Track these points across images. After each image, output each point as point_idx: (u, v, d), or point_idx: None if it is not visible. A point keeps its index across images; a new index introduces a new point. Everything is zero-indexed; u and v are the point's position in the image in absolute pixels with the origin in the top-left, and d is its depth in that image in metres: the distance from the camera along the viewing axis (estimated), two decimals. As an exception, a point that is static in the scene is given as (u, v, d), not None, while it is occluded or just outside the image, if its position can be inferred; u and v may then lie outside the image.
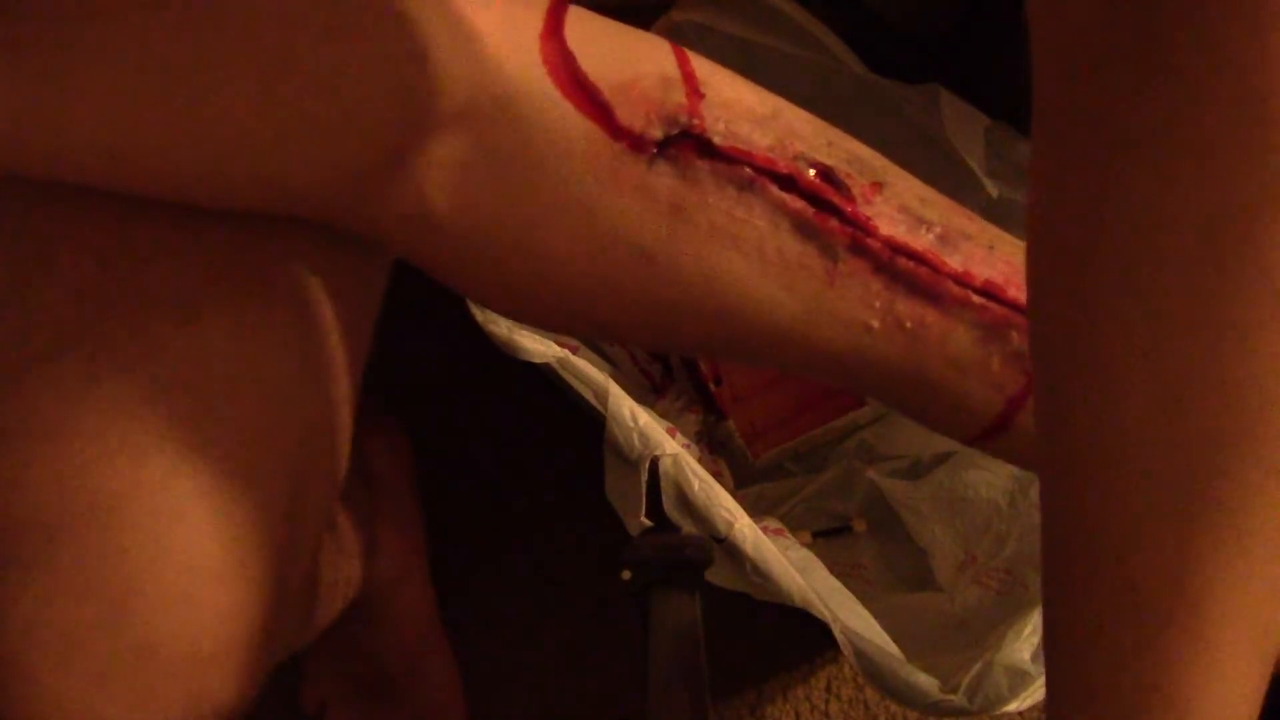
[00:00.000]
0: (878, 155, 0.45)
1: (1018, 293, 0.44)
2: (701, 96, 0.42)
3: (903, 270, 0.43)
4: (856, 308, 0.43)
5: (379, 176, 0.40)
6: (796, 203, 0.42)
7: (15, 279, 0.40)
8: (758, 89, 0.44)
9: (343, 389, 0.48)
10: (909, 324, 0.43)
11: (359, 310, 0.49)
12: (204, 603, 0.40)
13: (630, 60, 0.42)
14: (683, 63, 0.43)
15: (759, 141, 0.42)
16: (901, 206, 0.43)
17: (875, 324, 0.43)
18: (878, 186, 0.43)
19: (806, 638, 0.87)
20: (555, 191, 0.41)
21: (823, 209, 0.42)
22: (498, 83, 0.40)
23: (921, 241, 0.43)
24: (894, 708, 0.86)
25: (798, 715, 0.87)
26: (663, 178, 0.41)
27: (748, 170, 0.42)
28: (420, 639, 0.84)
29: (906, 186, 0.44)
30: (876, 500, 0.87)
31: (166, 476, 0.39)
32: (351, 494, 0.74)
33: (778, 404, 0.88)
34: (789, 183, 0.42)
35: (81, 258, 0.40)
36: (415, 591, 0.83)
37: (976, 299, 0.43)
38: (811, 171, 0.42)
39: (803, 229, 0.42)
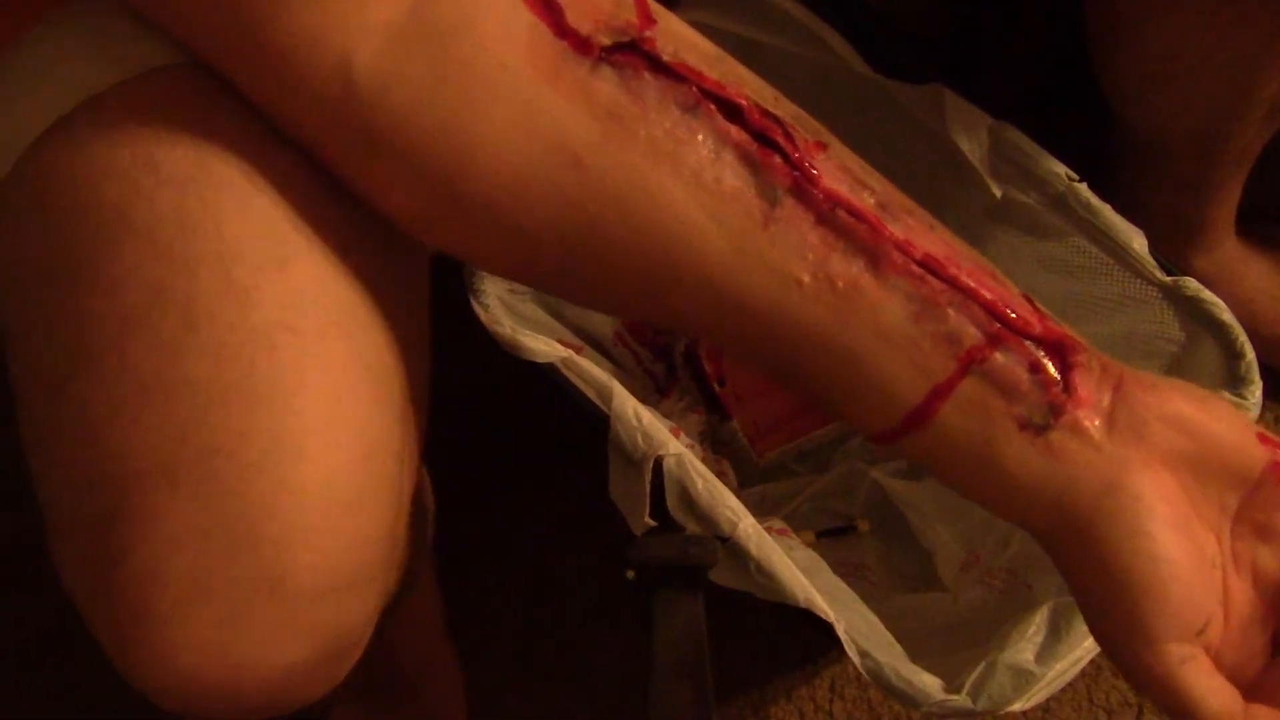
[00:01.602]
0: (816, 121, 0.43)
1: (957, 272, 0.40)
2: (653, 22, 0.41)
3: (843, 224, 0.40)
4: (789, 257, 0.40)
5: (302, 24, 0.39)
6: (741, 134, 0.40)
7: (172, 236, 0.41)
8: (706, 39, 0.43)
9: (420, 328, 0.50)
10: (841, 284, 0.40)
11: (418, 271, 0.52)
12: (329, 533, 0.41)
13: None
14: None
15: (707, 74, 0.40)
16: (844, 167, 0.41)
17: (806, 279, 0.40)
18: (821, 146, 0.41)
19: (810, 638, 0.87)
20: (490, 77, 0.39)
21: (767, 146, 0.40)
22: None
23: (864, 202, 0.40)
24: (898, 708, 0.86)
25: (801, 715, 0.87)
26: (604, 83, 0.39)
27: (695, 90, 0.40)
28: (430, 639, 0.84)
29: (849, 153, 0.42)
30: (880, 500, 0.87)
31: (279, 415, 0.40)
32: None
33: (781, 404, 0.88)
34: (735, 113, 0.40)
35: (159, 216, 0.41)
36: (426, 589, 0.83)
37: (915, 269, 0.40)
38: (756, 111, 0.40)
39: (745, 161, 0.40)
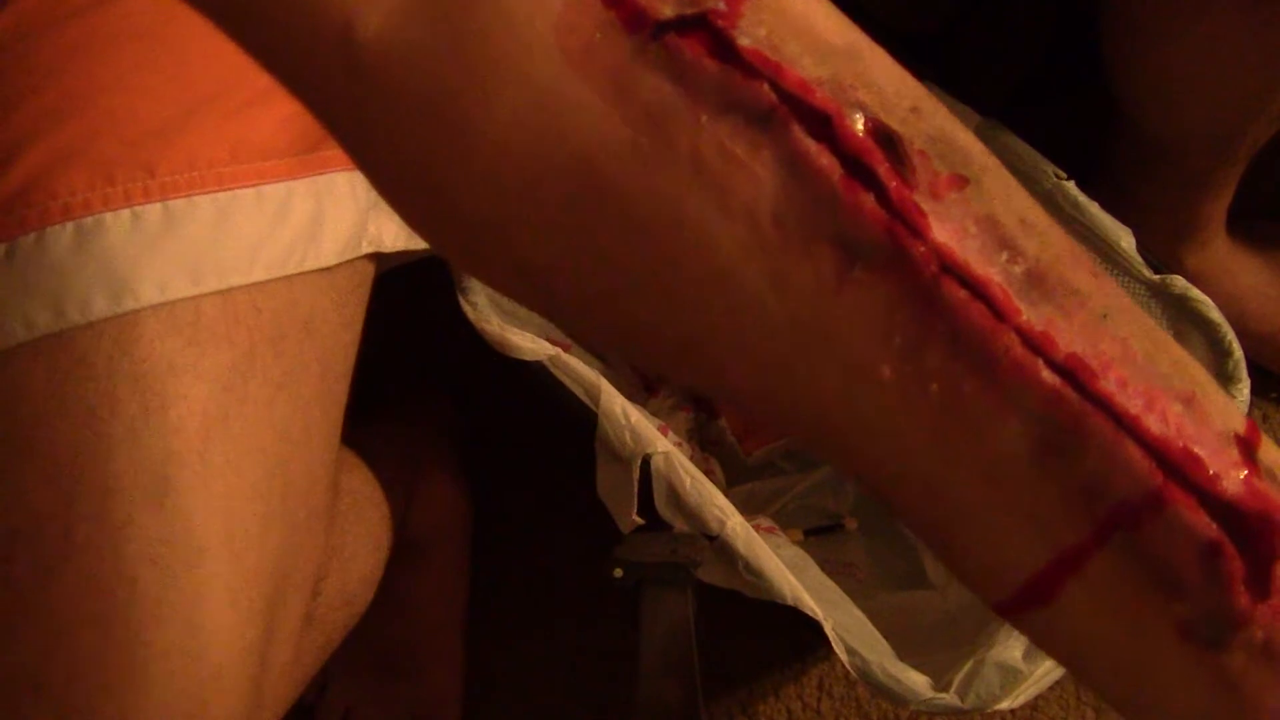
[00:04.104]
0: (986, 152, 0.30)
1: (1113, 389, 0.27)
2: None
3: (949, 302, 0.27)
4: (865, 339, 0.28)
5: None
6: (824, 158, 0.28)
7: None
8: (843, 18, 0.31)
9: (319, 501, 0.57)
10: (937, 387, 0.27)
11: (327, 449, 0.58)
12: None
13: None
14: None
15: (807, 69, 0.29)
16: (985, 218, 0.28)
17: (887, 372, 0.28)
18: (960, 181, 0.29)
19: (798, 636, 0.87)
20: (504, 52, 0.30)
21: (859, 179, 0.28)
22: None
23: (993, 270, 0.28)
24: (886, 706, 0.86)
25: (789, 713, 0.87)
26: (649, 72, 0.29)
27: (768, 91, 0.28)
28: (447, 620, 0.85)
29: (1006, 197, 0.29)
30: (868, 498, 0.87)
31: (132, 645, 0.46)
32: (391, 457, 0.79)
33: (770, 402, 0.88)
34: (823, 128, 0.28)
35: (56, 445, 0.49)
36: (457, 571, 0.86)
37: (1048, 378, 0.27)
38: (861, 123, 0.28)
39: (820, 199, 0.28)
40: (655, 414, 0.83)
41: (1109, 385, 0.27)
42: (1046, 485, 0.27)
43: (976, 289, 0.27)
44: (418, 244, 0.63)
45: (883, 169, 0.28)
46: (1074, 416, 0.27)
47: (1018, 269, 0.28)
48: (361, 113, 0.32)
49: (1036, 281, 0.28)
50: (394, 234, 0.61)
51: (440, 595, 0.85)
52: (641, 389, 0.88)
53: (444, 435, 0.89)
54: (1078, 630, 0.28)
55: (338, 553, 0.67)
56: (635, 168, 0.29)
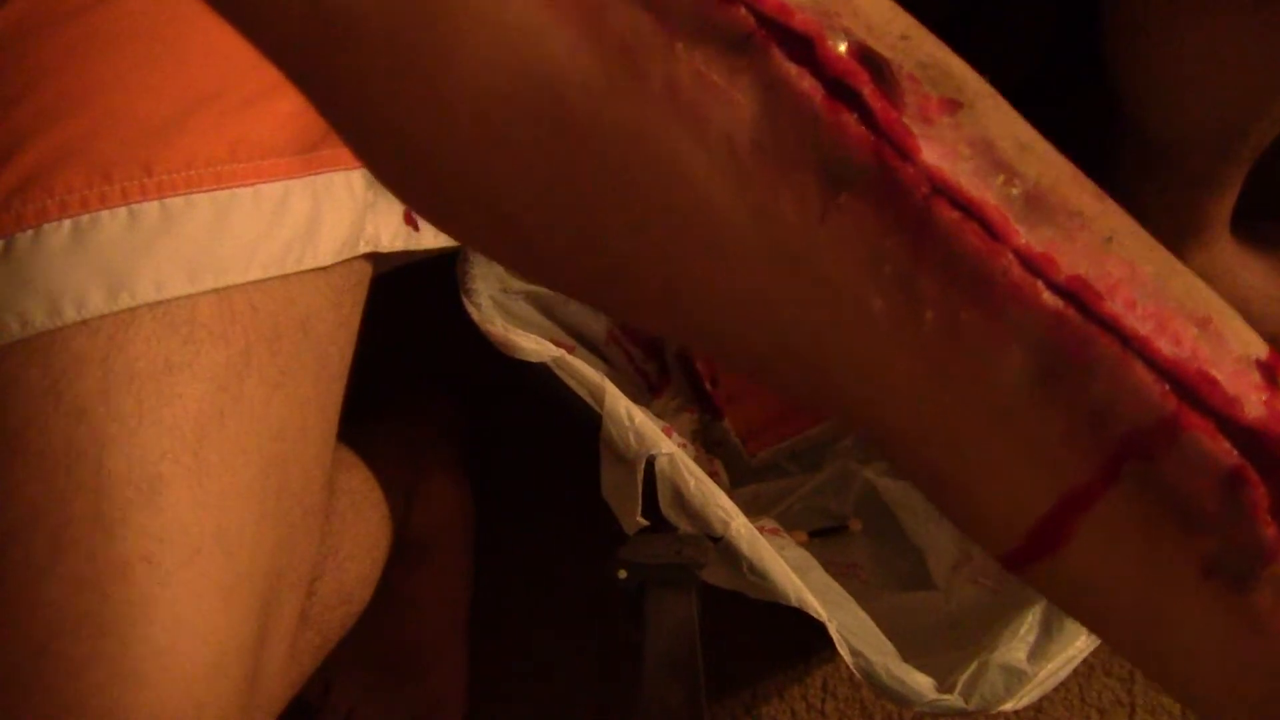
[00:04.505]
0: (982, 80, 0.28)
1: (1120, 310, 0.25)
2: None
3: (941, 225, 0.25)
4: (853, 269, 0.26)
5: None
6: (805, 80, 0.26)
7: None
8: None
9: (315, 501, 0.57)
10: (931, 315, 0.25)
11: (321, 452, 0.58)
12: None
13: None
14: None
15: None
16: (980, 141, 0.26)
17: (877, 303, 0.25)
18: (952, 105, 0.26)
19: (802, 637, 0.87)
20: None
21: (843, 101, 0.26)
22: None
23: (989, 193, 0.25)
24: (890, 707, 0.86)
25: (793, 714, 0.87)
26: (621, 2, 0.27)
27: (745, 14, 0.26)
28: (451, 622, 0.85)
29: (1003, 120, 0.27)
30: (872, 499, 0.87)
31: (124, 643, 0.46)
32: (394, 457, 0.79)
33: (774, 403, 0.88)
34: (805, 51, 0.26)
35: (50, 444, 0.49)
36: (461, 572, 0.85)
37: (1049, 299, 0.25)
38: (844, 46, 0.26)
39: (801, 123, 0.26)
40: (659, 415, 0.83)
41: (1115, 307, 0.25)
42: (1051, 418, 0.25)
43: (970, 210, 0.25)
44: (416, 244, 0.63)
45: (868, 90, 0.26)
46: (1078, 341, 0.25)
47: (1015, 191, 0.26)
48: (326, 60, 0.30)
49: (1035, 204, 0.26)
50: (392, 234, 0.62)
51: (442, 596, 0.85)
52: (646, 390, 0.88)
53: (446, 436, 0.89)
54: (1091, 577, 0.26)
55: (334, 552, 0.67)
56: (609, 102, 0.27)
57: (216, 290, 0.52)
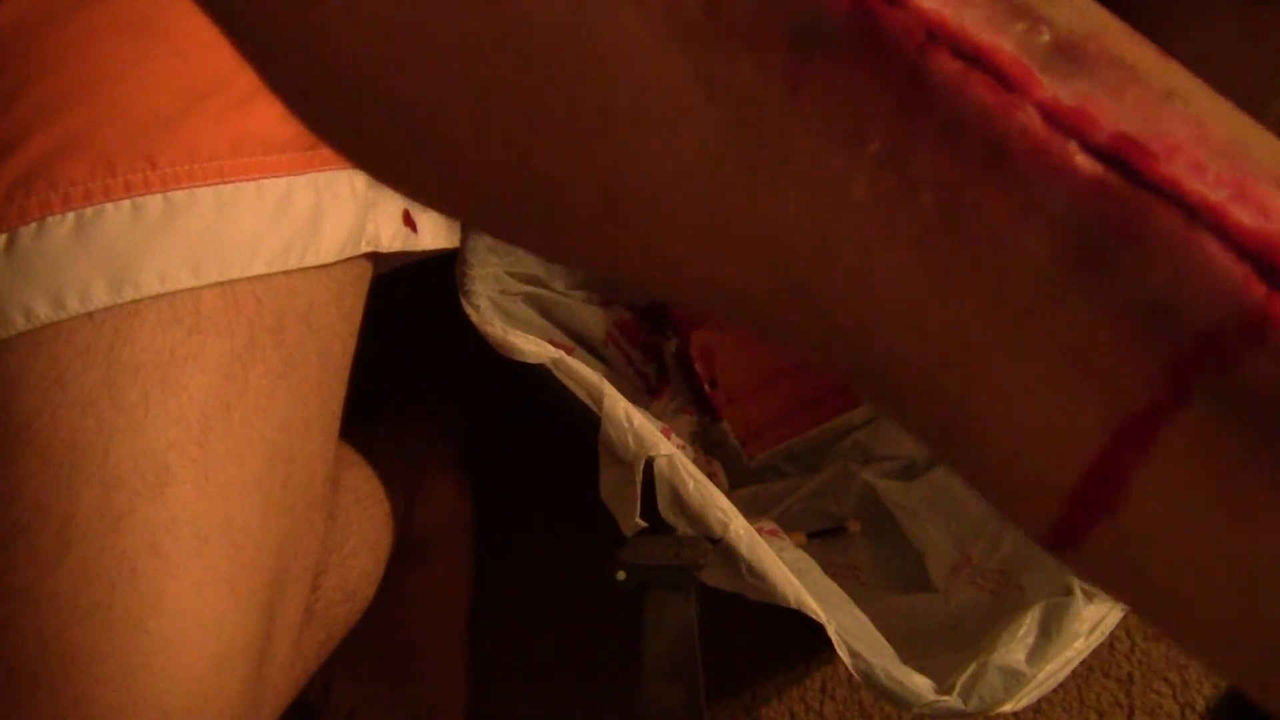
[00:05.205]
0: None
1: (1188, 176, 0.18)
2: None
3: (939, 80, 0.19)
4: (831, 150, 0.19)
5: None
6: None
7: None
8: None
9: (317, 495, 0.57)
10: (928, 199, 0.19)
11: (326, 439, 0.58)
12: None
13: None
14: None
15: None
16: None
17: (862, 190, 0.19)
18: None
19: (801, 639, 0.87)
20: None
21: None
22: None
23: (1004, 38, 0.18)
24: (889, 709, 0.86)
25: (792, 716, 0.87)
26: None
27: None
28: (452, 622, 0.85)
29: None
30: (871, 501, 0.87)
31: (132, 634, 0.46)
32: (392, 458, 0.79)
33: (773, 404, 0.88)
34: None
35: (57, 435, 0.49)
36: (462, 573, 0.85)
37: (1084, 162, 0.18)
38: None
39: None
40: (658, 417, 0.83)
41: (1176, 169, 0.18)
42: (1092, 322, 0.18)
43: (978, 59, 0.19)
44: (415, 245, 0.64)
45: None
46: (1126, 214, 0.18)
47: (1041, 39, 0.19)
48: None
49: (1068, 53, 0.19)
50: (391, 234, 0.62)
51: (443, 596, 0.85)
52: (644, 392, 0.88)
53: (447, 437, 0.89)
54: (1160, 543, 0.19)
55: (338, 548, 0.67)
56: None
57: (220, 283, 0.52)
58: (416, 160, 0.25)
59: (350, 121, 0.25)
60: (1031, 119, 0.18)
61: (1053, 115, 0.18)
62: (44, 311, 0.49)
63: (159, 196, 0.51)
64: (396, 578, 0.77)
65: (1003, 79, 0.18)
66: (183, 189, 0.52)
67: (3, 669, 0.46)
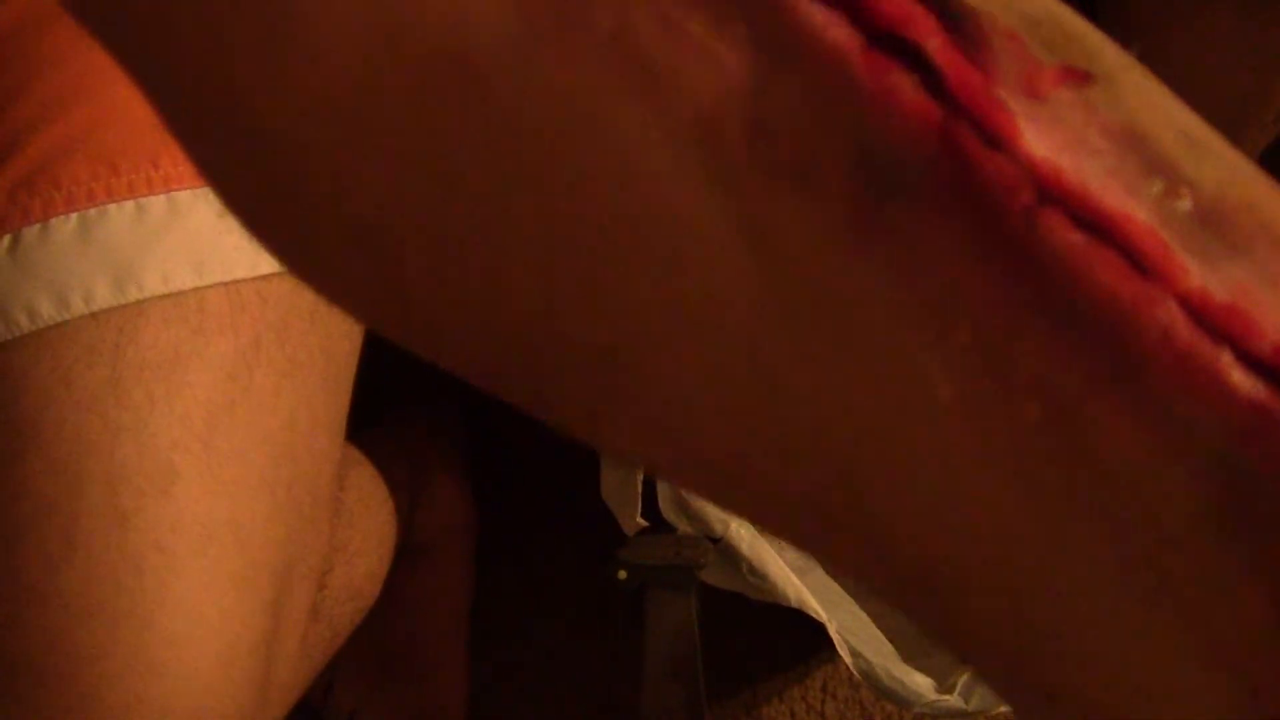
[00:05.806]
0: (1119, 50, 0.18)
1: None
2: None
3: (1055, 254, 0.14)
4: (907, 328, 0.15)
5: None
6: (835, 29, 0.15)
7: None
8: None
9: (324, 490, 0.57)
10: (1034, 412, 0.14)
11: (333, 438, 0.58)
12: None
13: None
14: None
15: None
16: (1121, 127, 0.15)
17: (946, 390, 0.14)
18: (1077, 76, 0.16)
19: (802, 638, 0.87)
20: None
21: (895, 58, 0.14)
22: None
23: (1137, 205, 0.14)
24: (890, 708, 0.86)
25: (793, 715, 0.87)
26: None
27: None
28: (453, 623, 0.85)
29: (1156, 103, 0.17)
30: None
31: (138, 631, 0.46)
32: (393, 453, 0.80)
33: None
34: None
35: (61, 434, 0.49)
36: (463, 574, 0.85)
37: (1241, 381, 0.13)
38: None
39: (827, 93, 0.15)
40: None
41: None
42: (1243, 596, 0.14)
43: (1107, 231, 0.14)
44: None
45: (935, 42, 0.15)
46: None
47: (1183, 205, 0.15)
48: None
49: (1216, 224, 0.15)
50: None
51: (445, 597, 0.85)
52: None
53: (448, 438, 0.89)
54: None
55: (343, 547, 0.67)
56: (528, 61, 0.16)
57: (224, 282, 0.53)
58: (354, 260, 0.19)
59: (268, 189, 0.19)
60: (1175, 319, 0.14)
61: (1201, 314, 0.14)
62: (48, 312, 0.49)
63: (162, 196, 0.51)
64: (399, 579, 0.78)
65: (1138, 260, 0.14)
66: (186, 189, 0.52)
67: (9, 667, 0.46)
